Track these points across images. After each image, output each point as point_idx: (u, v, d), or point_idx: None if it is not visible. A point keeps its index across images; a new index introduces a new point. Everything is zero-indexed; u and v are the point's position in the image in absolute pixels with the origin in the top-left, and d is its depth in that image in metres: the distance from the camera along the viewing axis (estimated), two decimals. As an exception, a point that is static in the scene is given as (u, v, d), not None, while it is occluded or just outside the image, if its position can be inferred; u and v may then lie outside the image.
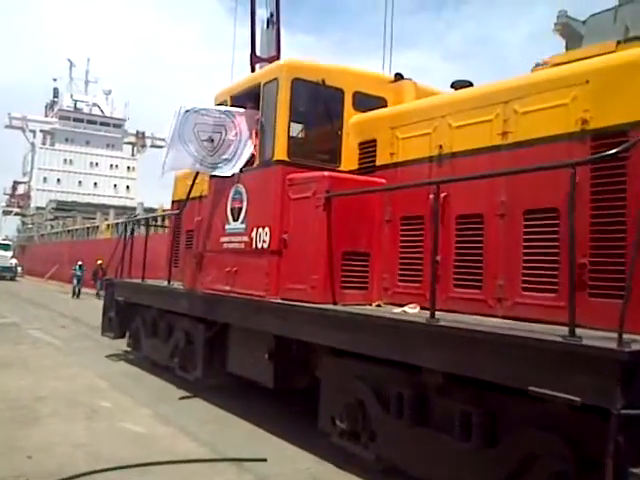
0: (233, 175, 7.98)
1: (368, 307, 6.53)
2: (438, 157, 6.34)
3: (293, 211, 6.98)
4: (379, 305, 6.61)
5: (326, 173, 6.74)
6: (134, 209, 57.29)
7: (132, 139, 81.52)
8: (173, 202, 12.05)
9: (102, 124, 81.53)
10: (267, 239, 7.21)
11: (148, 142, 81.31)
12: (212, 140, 8.01)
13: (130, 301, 11.40)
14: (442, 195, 6.14)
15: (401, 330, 5.30)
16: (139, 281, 10.99)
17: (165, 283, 10.16)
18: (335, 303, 6.51)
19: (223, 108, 8.20)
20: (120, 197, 74.46)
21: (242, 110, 8.14)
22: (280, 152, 7.22)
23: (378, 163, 7.09)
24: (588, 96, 5.02)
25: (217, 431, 7.44)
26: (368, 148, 7.26)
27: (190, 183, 11.03)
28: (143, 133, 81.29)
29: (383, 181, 6.87)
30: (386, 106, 7.82)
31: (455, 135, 6.19)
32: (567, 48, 22.75)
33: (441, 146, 6.30)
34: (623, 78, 4.83)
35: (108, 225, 43.00)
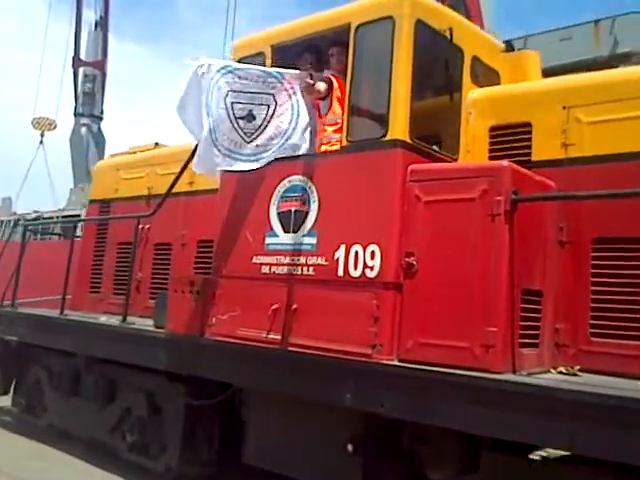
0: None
1: (561, 377, 4.14)
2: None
3: (429, 221, 4.41)
4: (573, 373, 4.23)
5: (506, 163, 4.27)
6: None
7: None
8: (92, 202, 8.73)
9: None
10: (374, 264, 4.53)
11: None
12: (253, 117, 5.17)
13: (29, 342, 7.83)
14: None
15: None
16: (52, 313, 7.56)
17: (102, 317, 7.01)
18: (514, 371, 4.07)
19: (268, 68, 5.40)
20: None
21: (295, 71, 5.40)
22: (399, 129, 4.61)
23: (537, 158, 4.76)
24: None
25: (41, 469, 6.45)
26: (513, 135, 4.91)
27: (128, 176, 8.09)
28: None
29: (551, 184, 4.58)
30: (499, 82, 5.56)
31: None
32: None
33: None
34: None
35: None
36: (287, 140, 5.22)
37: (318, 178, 5.00)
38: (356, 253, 4.63)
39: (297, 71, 5.38)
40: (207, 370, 5.53)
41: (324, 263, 4.82)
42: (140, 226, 7.37)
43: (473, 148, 5.09)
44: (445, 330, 4.23)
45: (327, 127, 5.10)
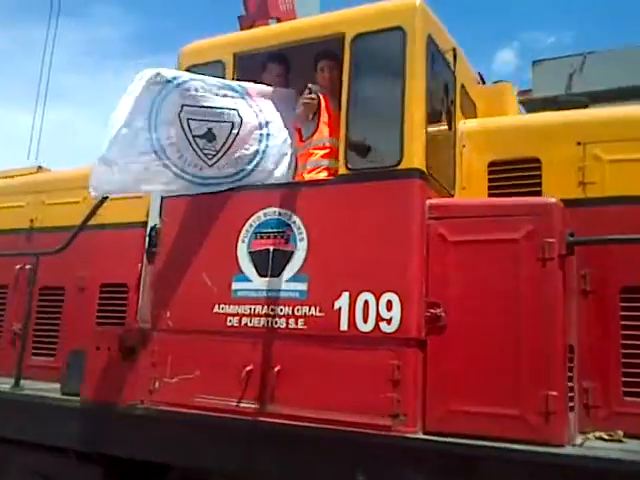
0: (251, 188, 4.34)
1: (616, 445, 3.61)
2: None
3: (459, 265, 3.73)
4: (619, 439, 3.71)
5: (553, 199, 3.72)
6: None
7: None
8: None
9: None
10: (393, 316, 3.74)
11: None
12: (214, 136, 4.25)
13: None
14: None
15: None
16: None
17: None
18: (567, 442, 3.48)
19: (230, 81, 4.51)
20: None
21: (264, 87, 4.57)
22: (416, 156, 3.92)
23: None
24: None
25: None
26: (518, 171, 4.41)
27: (1, 205, 6.69)
28: None
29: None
30: (476, 115, 5.12)
31: None
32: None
33: None
34: None
35: None
36: (257, 165, 4.36)
37: (305, 211, 4.15)
38: (365, 303, 3.82)
39: (263, 86, 4.57)
40: (144, 448, 4.35)
41: (319, 315, 3.94)
42: (18, 266, 6.05)
43: (469, 184, 4.54)
44: (486, 395, 3.55)
45: (314, 151, 4.29)
